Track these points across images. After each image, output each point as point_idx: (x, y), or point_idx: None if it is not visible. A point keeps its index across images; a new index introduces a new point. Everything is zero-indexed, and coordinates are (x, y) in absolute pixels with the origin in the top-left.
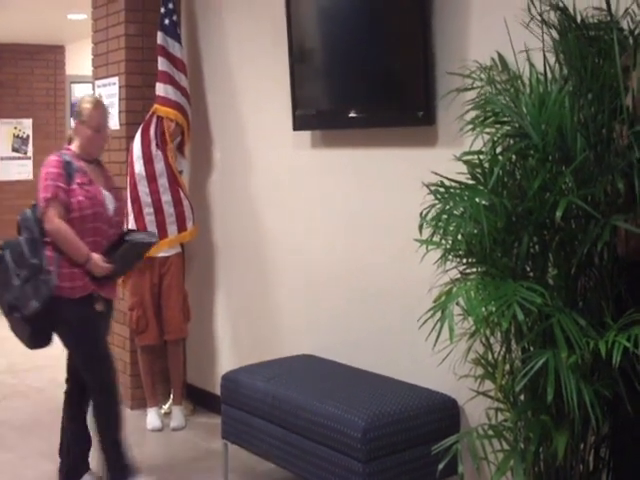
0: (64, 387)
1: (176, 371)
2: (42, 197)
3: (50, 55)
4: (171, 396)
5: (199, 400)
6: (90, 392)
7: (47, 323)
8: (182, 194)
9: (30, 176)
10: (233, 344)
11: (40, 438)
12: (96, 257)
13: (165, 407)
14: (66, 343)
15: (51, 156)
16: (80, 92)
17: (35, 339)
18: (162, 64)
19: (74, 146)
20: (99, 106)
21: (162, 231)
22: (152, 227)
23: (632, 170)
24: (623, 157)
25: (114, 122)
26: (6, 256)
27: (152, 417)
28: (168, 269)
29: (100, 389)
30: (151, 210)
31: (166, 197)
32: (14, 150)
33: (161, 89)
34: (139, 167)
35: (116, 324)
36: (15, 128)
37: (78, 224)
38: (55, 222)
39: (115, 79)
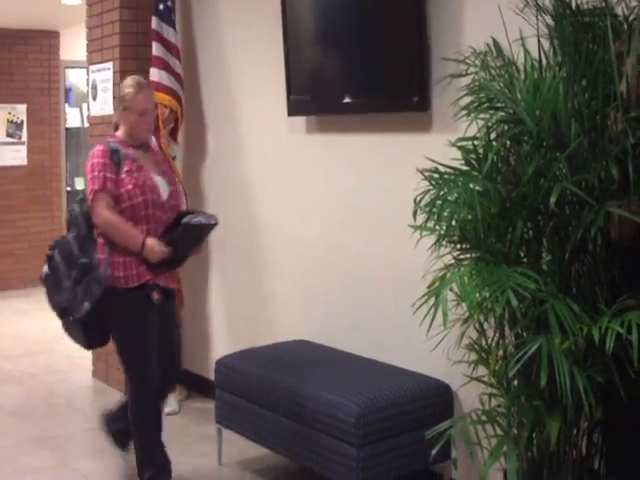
0: (62, 372)
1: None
2: (89, 190)
3: (44, 40)
4: None
5: (193, 385)
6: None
7: (100, 321)
8: (175, 179)
9: (24, 161)
10: (227, 329)
11: (35, 424)
12: (151, 242)
13: None
14: (114, 337)
15: (97, 145)
16: (74, 77)
17: (90, 338)
18: (156, 49)
19: (120, 133)
20: (142, 88)
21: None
22: None
23: (626, 156)
24: (617, 143)
25: (108, 107)
26: (55, 256)
27: None
28: None
29: (137, 389)
30: None
31: None
32: (8, 135)
33: (155, 74)
34: None
35: None
36: (9, 113)
37: (129, 213)
38: (103, 215)
39: (109, 64)
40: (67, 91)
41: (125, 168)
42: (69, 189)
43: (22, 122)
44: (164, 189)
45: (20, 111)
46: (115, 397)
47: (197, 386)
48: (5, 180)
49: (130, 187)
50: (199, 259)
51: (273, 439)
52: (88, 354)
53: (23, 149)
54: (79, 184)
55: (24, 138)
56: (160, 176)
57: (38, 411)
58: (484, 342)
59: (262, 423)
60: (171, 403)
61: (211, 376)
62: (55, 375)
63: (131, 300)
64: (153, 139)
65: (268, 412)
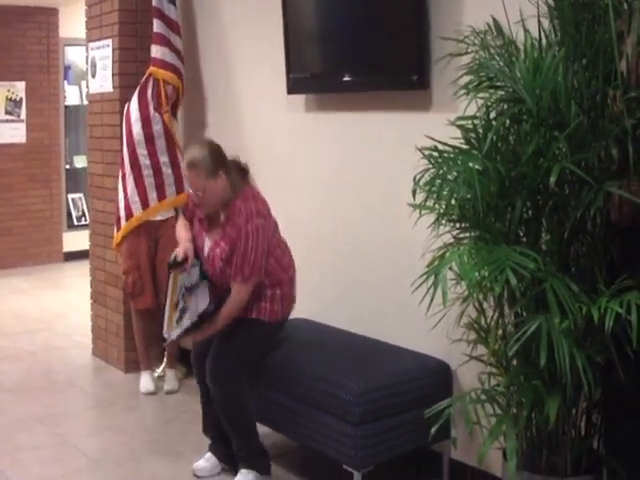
0: (62, 350)
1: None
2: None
3: (43, 17)
4: (164, 359)
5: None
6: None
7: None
8: (179, 156)
9: (23, 139)
10: None
11: (34, 401)
12: None
13: (158, 370)
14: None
15: None
16: (73, 55)
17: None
18: (157, 26)
19: None
20: (186, 169)
21: (161, 192)
22: (151, 189)
23: (626, 136)
24: (617, 123)
25: (108, 85)
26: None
27: (146, 381)
28: (164, 232)
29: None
30: (150, 172)
31: (164, 159)
32: (7, 113)
33: (158, 51)
34: (137, 129)
35: (109, 287)
36: (8, 91)
37: None
38: None
39: (109, 41)
40: (66, 69)
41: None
42: (68, 167)
43: (21, 100)
44: (207, 251)
45: (19, 89)
46: (114, 375)
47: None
48: (4, 158)
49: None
50: None
51: (273, 417)
52: (88, 332)
53: (22, 127)
54: (78, 162)
55: (23, 116)
56: (209, 237)
57: (37, 389)
58: (483, 321)
59: (262, 401)
60: (171, 381)
61: None
62: (54, 353)
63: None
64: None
65: (267, 390)
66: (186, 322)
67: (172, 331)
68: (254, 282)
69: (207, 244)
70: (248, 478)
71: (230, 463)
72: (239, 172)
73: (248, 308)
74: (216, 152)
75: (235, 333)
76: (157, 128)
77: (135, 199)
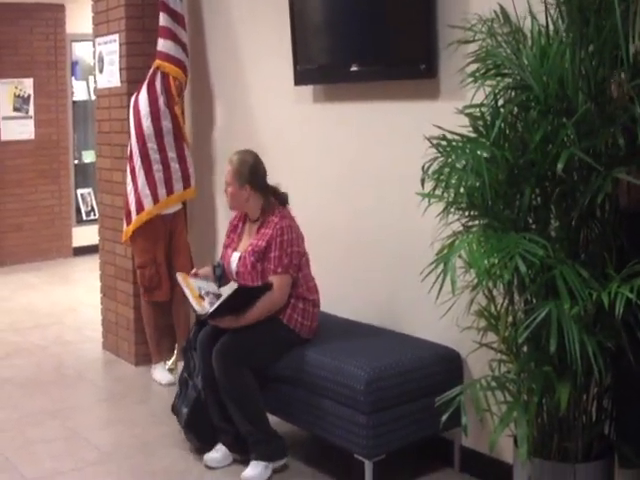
0: (72, 344)
1: (183, 325)
2: None
3: (49, 13)
4: (175, 352)
5: None
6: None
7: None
8: (186, 151)
9: (32, 135)
10: None
11: (45, 396)
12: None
13: (169, 363)
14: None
15: None
16: (81, 51)
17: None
18: (164, 19)
19: None
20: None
21: (169, 187)
22: (160, 184)
23: (633, 122)
24: (624, 109)
25: (115, 79)
26: None
27: (162, 373)
28: (176, 225)
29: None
30: (160, 167)
31: (172, 154)
32: (15, 110)
33: (164, 45)
34: (147, 124)
35: (119, 281)
36: (16, 88)
37: None
38: None
39: (115, 36)
40: (73, 64)
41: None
42: (77, 162)
43: (29, 96)
44: (234, 265)
45: (27, 85)
46: (125, 368)
47: None
48: (13, 154)
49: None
50: (208, 230)
51: (282, 407)
52: (98, 326)
53: (30, 123)
54: (87, 157)
55: (31, 112)
56: (237, 251)
57: (48, 383)
58: (493, 308)
59: (271, 392)
60: (164, 375)
61: None
62: (65, 347)
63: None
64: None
65: (278, 381)
66: (225, 292)
67: (204, 307)
68: (293, 276)
69: (234, 257)
70: (256, 471)
71: (241, 453)
72: (276, 197)
73: (281, 311)
74: (254, 169)
75: (254, 330)
76: (166, 123)
77: (146, 192)
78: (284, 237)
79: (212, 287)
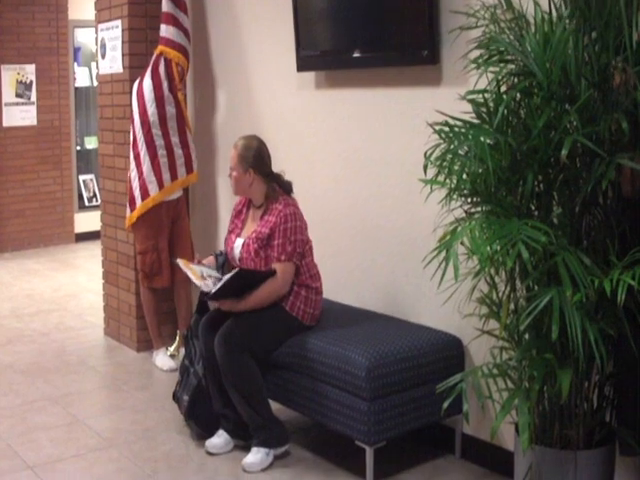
0: (74, 331)
1: (185, 311)
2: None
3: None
4: (177, 338)
5: None
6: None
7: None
8: (189, 136)
9: (34, 121)
10: None
11: (47, 382)
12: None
13: (171, 349)
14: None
15: None
16: (83, 37)
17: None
18: (166, 5)
19: None
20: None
21: (173, 173)
22: (165, 170)
23: (636, 109)
24: (627, 96)
25: (117, 65)
26: None
27: (164, 359)
28: (180, 211)
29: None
30: (164, 152)
31: (175, 139)
32: (17, 96)
33: (167, 31)
34: (152, 110)
35: (121, 267)
36: (18, 74)
37: None
38: None
39: (118, 22)
40: (76, 50)
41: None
42: (79, 148)
43: (31, 82)
44: (237, 251)
45: (29, 71)
46: (127, 354)
47: None
48: (15, 140)
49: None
50: (210, 216)
51: (284, 394)
52: (100, 312)
53: (32, 109)
54: (89, 143)
55: (33, 98)
56: (241, 237)
57: (50, 369)
58: (495, 295)
59: (272, 378)
60: (165, 361)
61: None
62: (67, 333)
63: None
64: (279, 204)
65: (279, 368)
66: (226, 277)
67: (208, 285)
68: (296, 264)
69: (238, 243)
70: (257, 457)
71: (242, 439)
72: (280, 185)
73: (283, 298)
74: (258, 154)
75: (257, 316)
76: (170, 108)
77: (152, 179)
78: (288, 225)
79: (214, 273)
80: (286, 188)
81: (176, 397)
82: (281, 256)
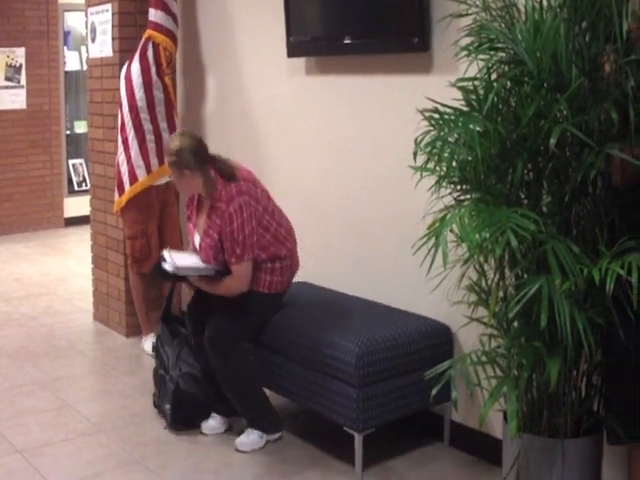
0: (63, 315)
1: (175, 297)
2: None
3: None
4: None
5: None
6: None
7: None
8: (177, 121)
9: (24, 105)
10: None
11: (35, 366)
12: None
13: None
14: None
15: None
16: (73, 21)
17: None
18: None
19: None
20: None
21: (161, 158)
22: (153, 155)
23: (626, 99)
24: (617, 85)
25: (107, 49)
26: None
27: (150, 344)
28: (168, 197)
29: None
30: (152, 137)
31: (163, 124)
32: (7, 79)
33: (156, 15)
34: (140, 94)
35: (111, 252)
36: (8, 57)
37: None
38: None
39: (108, 6)
40: (66, 34)
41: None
42: (68, 132)
43: (21, 66)
44: (197, 245)
45: (19, 54)
46: (116, 339)
47: None
48: (4, 124)
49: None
50: None
51: (275, 380)
52: (89, 297)
53: (22, 92)
54: (79, 127)
55: (23, 82)
56: (197, 230)
57: (39, 354)
58: (484, 283)
59: (263, 365)
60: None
61: None
62: (56, 317)
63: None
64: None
65: (269, 353)
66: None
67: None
68: (249, 260)
69: (197, 238)
70: (249, 439)
71: (236, 417)
72: (222, 172)
73: (260, 279)
74: (182, 152)
75: (234, 306)
76: (158, 93)
77: (140, 163)
78: (233, 225)
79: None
80: (226, 173)
81: (156, 406)
82: (231, 259)
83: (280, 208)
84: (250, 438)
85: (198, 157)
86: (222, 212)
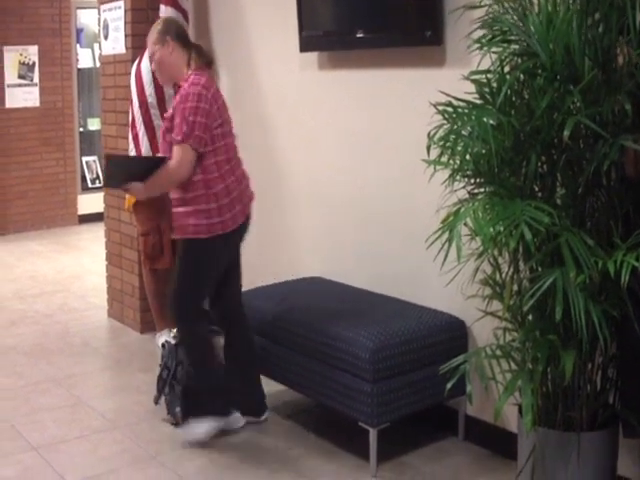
0: (77, 312)
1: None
2: None
3: None
4: None
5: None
6: None
7: None
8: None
9: (37, 103)
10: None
11: (50, 364)
12: None
13: (174, 330)
14: None
15: None
16: (86, 18)
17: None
18: None
19: None
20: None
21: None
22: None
23: (639, 90)
24: (630, 77)
25: (120, 46)
26: None
27: (168, 339)
28: None
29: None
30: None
31: None
32: (20, 77)
33: (166, 12)
34: (150, 91)
35: (124, 248)
36: (21, 55)
37: None
38: None
39: (120, 3)
40: (78, 32)
41: None
42: (82, 130)
43: (34, 63)
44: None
45: (32, 52)
46: (130, 336)
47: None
48: (18, 122)
49: None
50: None
51: (288, 375)
52: (103, 294)
53: (35, 90)
54: (92, 125)
55: (36, 79)
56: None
57: (53, 351)
58: (498, 277)
59: (277, 360)
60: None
61: None
62: (70, 315)
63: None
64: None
65: (283, 349)
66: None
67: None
68: (195, 149)
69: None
70: (193, 426)
71: (250, 413)
72: (201, 57)
73: (185, 226)
74: (169, 24)
75: (179, 264)
76: (168, 90)
77: None
78: (187, 104)
79: None
80: (206, 59)
81: (170, 411)
82: (177, 136)
83: (236, 146)
84: (196, 425)
85: (182, 32)
86: (182, 90)
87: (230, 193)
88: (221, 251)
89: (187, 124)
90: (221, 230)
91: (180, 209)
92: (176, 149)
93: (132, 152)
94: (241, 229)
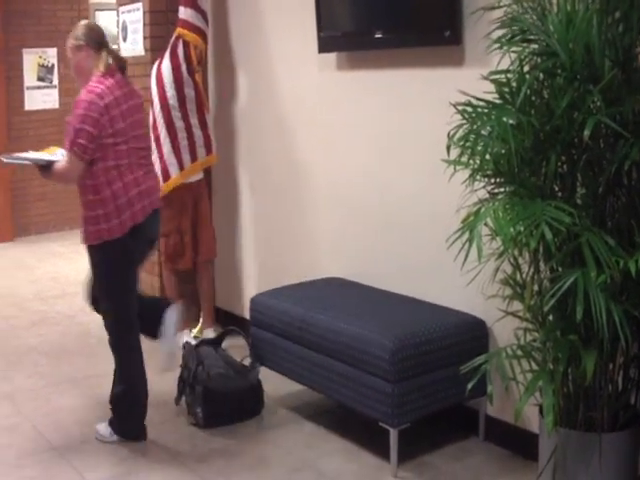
0: (97, 314)
1: (207, 293)
2: None
3: None
4: (200, 320)
5: (226, 323)
6: None
7: None
8: (207, 117)
9: (56, 105)
10: (259, 268)
11: (70, 365)
12: None
13: (194, 331)
14: None
15: None
16: (104, 20)
17: None
18: None
19: None
20: None
21: (193, 154)
22: (185, 151)
23: None
24: None
25: (139, 48)
26: None
27: (189, 339)
28: (201, 193)
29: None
30: (184, 135)
31: (194, 120)
32: (39, 79)
33: (185, 13)
34: (171, 93)
35: None
36: (40, 57)
37: None
38: None
39: (139, 4)
40: None
41: None
42: None
43: (53, 66)
44: None
45: (51, 55)
46: None
47: (229, 323)
48: (37, 124)
49: None
50: (232, 199)
51: (308, 376)
52: None
53: (54, 92)
54: None
55: (55, 82)
56: None
57: (74, 351)
58: (519, 277)
59: (297, 360)
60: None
61: (245, 314)
62: (92, 316)
63: None
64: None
65: (303, 349)
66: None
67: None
68: (77, 155)
69: None
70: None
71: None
72: (114, 61)
73: (88, 232)
74: (85, 29)
75: (94, 268)
76: (189, 91)
77: (172, 161)
78: (76, 111)
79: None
80: (119, 64)
81: (190, 411)
82: (65, 142)
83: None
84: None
85: (97, 37)
86: (78, 97)
87: (117, 199)
88: (117, 254)
89: (74, 131)
90: (108, 236)
91: (82, 213)
92: (66, 154)
93: (153, 154)
94: (137, 235)
